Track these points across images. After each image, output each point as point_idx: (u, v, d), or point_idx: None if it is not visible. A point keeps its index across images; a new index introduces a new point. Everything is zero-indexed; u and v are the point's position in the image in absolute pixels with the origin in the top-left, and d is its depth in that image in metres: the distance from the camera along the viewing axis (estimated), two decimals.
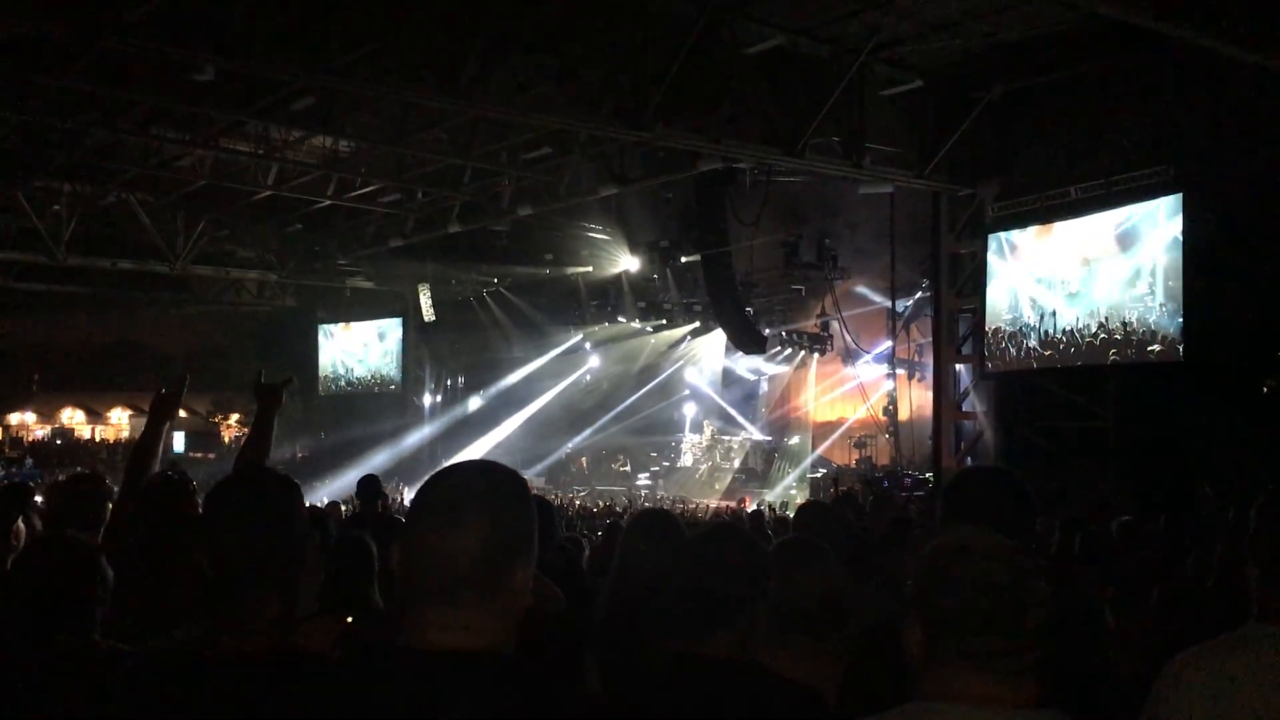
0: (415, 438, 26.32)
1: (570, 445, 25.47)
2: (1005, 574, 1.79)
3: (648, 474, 24.50)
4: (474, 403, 27.16)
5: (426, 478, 1.84)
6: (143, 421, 4.23)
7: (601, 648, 3.43)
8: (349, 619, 3.67)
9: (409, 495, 17.19)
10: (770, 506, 16.77)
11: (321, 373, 28.56)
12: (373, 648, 1.77)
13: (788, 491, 20.98)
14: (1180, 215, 12.16)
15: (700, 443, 24.41)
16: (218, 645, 2.14)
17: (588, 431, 25.20)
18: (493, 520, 1.73)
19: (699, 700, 2.40)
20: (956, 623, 1.79)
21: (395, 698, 1.66)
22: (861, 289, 20.34)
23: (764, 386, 24.97)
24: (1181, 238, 12.11)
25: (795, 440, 23.32)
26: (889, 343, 19.16)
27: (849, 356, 21.04)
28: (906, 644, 1.88)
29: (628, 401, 24.90)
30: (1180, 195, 12.20)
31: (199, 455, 27.22)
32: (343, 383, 28.63)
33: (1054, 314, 13.64)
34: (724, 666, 2.44)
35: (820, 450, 22.45)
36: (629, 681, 2.82)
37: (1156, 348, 12.42)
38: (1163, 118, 12.29)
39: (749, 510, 16.32)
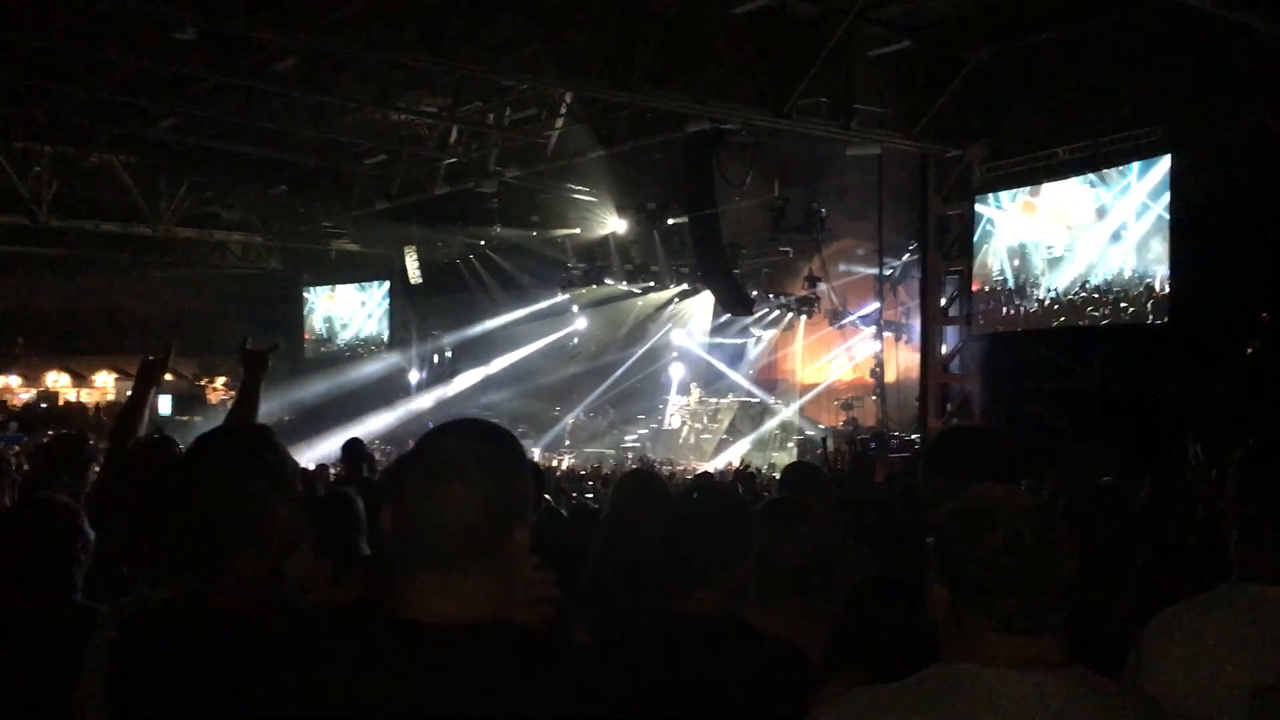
0: (402, 400, 26.27)
1: (566, 420, 25.35)
2: (1032, 535, 1.74)
3: (635, 437, 24.50)
4: (456, 348, 27.07)
5: (419, 438, 1.77)
6: (128, 385, 4.21)
7: (589, 607, 3.45)
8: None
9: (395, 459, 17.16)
10: (756, 469, 16.80)
11: (307, 336, 28.47)
12: (370, 618, 1.69)
13: (769, 454, 20.99)
14: (1167, 177, 12.17)
15: (687, 405, 24.39)
16: (203, 603, 2.09)
17: (582, 406, 25.15)
18: (494, 479, 1.66)
19: (681, 658, 2.41)
20: (984, 587, 1.75)
21: (405, 676, 1.58)
22: (845, 265, 20.37)
23: (750, 350, 24.94)
24: (1169, 199, 12.13)
25: (782, 402, 23.34)
26: (876, 305, 19.18)
27: (836, 318, 21.06)
28: (932, 603, 1.84)
29: (619, 371, 24.86)
30: (1168, 157, 12.20)
31: (185, 418, 27.07)
32: (329, 346, 28.56)
33: (1040, 275, 13.65)
34: (706, 623, 2.45)
35: (798, 404, 22.47)
36: (614, 641, 2.83)
37: (1131, 308, 12.48)
38: (1151, 79, 12.24)
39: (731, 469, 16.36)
